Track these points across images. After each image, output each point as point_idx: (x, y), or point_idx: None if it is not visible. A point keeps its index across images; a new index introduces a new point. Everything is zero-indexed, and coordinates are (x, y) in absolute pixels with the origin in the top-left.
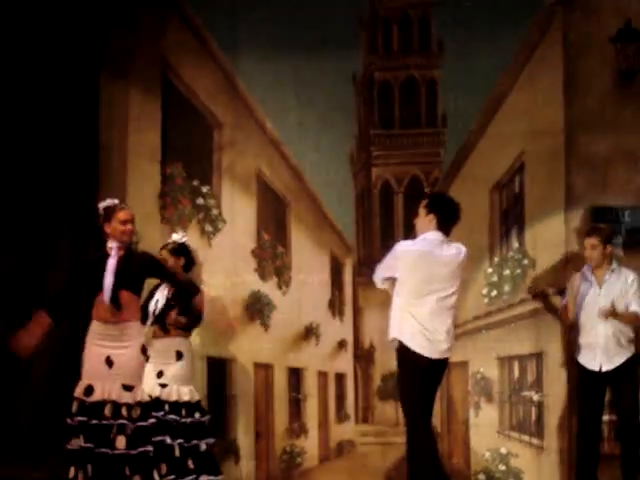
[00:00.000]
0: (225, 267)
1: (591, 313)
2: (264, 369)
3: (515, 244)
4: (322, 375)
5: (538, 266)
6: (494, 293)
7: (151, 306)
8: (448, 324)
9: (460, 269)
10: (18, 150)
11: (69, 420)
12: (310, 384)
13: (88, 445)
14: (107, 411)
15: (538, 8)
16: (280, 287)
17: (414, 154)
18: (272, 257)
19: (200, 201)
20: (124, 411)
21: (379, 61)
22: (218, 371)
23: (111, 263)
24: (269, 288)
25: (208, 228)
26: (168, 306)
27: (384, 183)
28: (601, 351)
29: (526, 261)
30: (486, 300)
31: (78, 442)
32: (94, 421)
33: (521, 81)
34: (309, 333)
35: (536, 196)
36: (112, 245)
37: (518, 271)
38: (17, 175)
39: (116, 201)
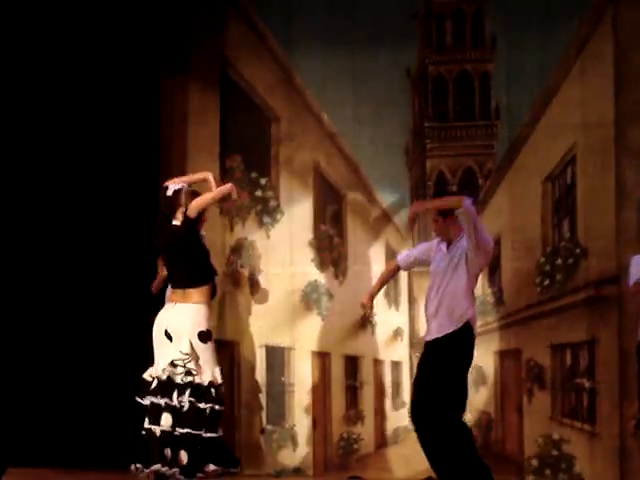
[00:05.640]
0: (283, 258)
1: None
2: (321, 357)
3: (567, 234)
4: (378, 363)
5: (589, 255)
6: (547, 282)
7: None
8: None
9: None
10: (80, 145)
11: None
12: (366, 372)
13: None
14: None
15: (589, 2)
16: (337, 277)
17: (468, 146)
18: (329, 248)
19: (258, 193)
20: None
21: (433, 55)
22: (276, 359)
23: None
24: (326, 278)
25: (266, 219)
26: None
27: (438, 175)
28: None
29: (578, 250)
30: (539, 289)
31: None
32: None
33: (573, 74)
34: (365, 322)
35: (588, 187)
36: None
37: (570, 260)
38: (79, 170)
39: None
